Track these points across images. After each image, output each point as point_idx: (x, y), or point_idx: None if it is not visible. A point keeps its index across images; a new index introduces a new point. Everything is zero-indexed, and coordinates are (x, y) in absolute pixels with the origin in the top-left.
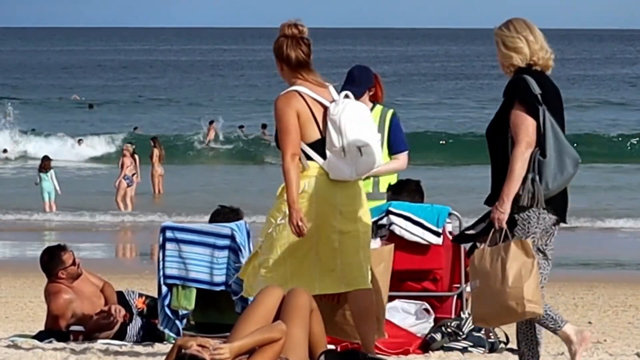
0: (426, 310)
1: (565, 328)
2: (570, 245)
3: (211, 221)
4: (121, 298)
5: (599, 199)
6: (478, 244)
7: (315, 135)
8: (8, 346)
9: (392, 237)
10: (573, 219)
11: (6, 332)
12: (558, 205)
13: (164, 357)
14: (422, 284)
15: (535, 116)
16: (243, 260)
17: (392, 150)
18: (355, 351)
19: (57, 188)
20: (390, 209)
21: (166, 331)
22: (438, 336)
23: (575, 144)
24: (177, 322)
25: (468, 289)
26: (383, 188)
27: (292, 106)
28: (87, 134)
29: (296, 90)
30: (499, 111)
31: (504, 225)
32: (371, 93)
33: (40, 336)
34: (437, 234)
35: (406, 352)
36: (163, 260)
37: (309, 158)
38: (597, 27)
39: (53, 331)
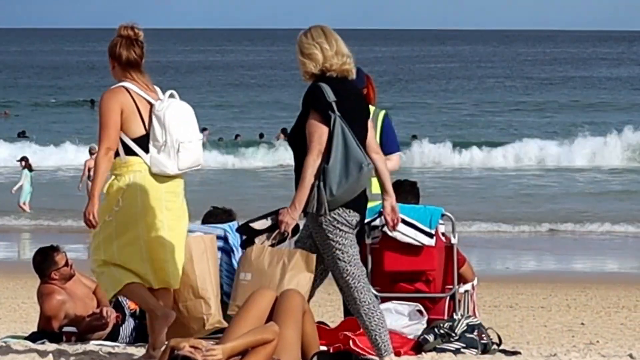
0: (419, 311)
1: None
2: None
3: (204, 222)
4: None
5: None
6: (257, 240)
7: (140, 130)
8: (0, 347)
9: (384, 238)
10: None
11: None
12: (360, 207)
13: (157, 358)
14: (415, 285)
15: (328, 124)
16: (235, 262)
17: (384, 151)
18: (348, 352)
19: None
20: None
21: None
22: (431, 337)
23: None
24: None
25: (461, 290)
26: (376, 189)
27: (117, 101)
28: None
29: (123, 86)
30: (298, 119)
31: (289, 230)
32: (364, 93)
33: (33, 337)
34: (430, 235)
35: (398, 354)
36: None
37: (132, 153)
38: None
39: (46, 332)
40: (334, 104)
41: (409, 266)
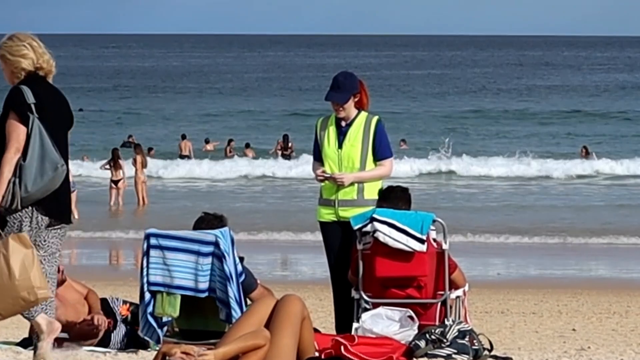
0: (410, 317)
1: (37, 318)
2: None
3: (195, 228)
4: (105, 305)
5: None
6: None
7: None
8: None
9: (376, 244)
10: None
11: None
12: (50, 207)
13: None
14: (406, 291)
15: (27, 124)
16: (227, 267)
17: (377, 157)
18: (339, 357)
19: None
20: (374, 215)
21: (146, 338)
22: (422, 343)
23: None
24: (158, 329)
25: (452, 295)
26: (368, 195)
27: None
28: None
29: None
30: None
31: None
32: (356, 99)
33: (24, 343)
34: (421, 241)
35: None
36: (147, 267)
37: None
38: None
39: None
40: (32, 106)
41: (400, 272)
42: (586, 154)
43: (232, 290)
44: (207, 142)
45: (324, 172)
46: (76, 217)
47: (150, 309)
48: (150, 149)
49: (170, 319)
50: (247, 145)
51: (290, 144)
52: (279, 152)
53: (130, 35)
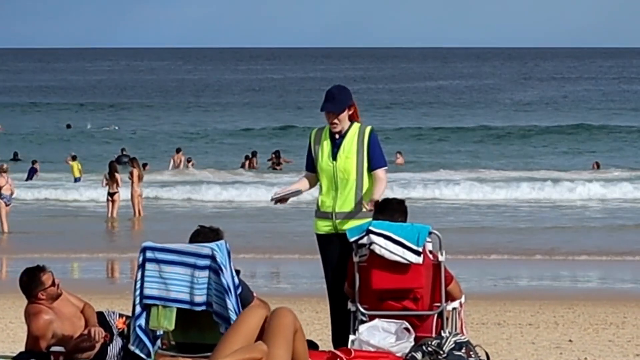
0: (406, 329)
1: None
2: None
3: (191, 241)
4: (101, 318)
5: None
6: None
7: None
8: None
9: (372, 257)
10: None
11: None
12: None
13: None
14: (403, 303)
15: None
16: (224, 280)
17: (372, 166)
18: None
19: None
20: (371, 228)
21: (137, 351)
22: (419, 355)
23: None
24: (149, 343)
25: (449, 307)
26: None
27: None
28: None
29: None
30: None
31: None
32: (351, 112)
33: (21, 357)
34: (418, 253)
35: None
36: (142, 280)
37: None
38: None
39: (34, 352)
40: None
41: (396, 284)
42: (597, 168)
43: (231, 303)
44: (177, 151)
45: (276, 193)
46: (5, 230)
47: (140, 322)
48: (145, 165)
49: (162, 332)
50: (254, 154)
51: (281, 158)
52: (272, 165)
53: (122, 49)
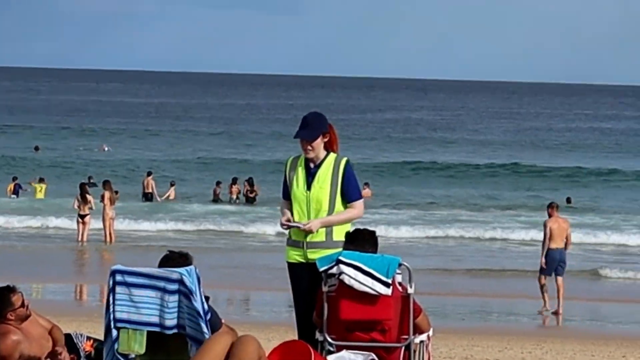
0: None
1: None
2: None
3: (160, 266)
4: (69, 340)
5: None
6: None
7: None
8: None
9: (341, 287)
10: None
11: None
12: None
13: None
14: (371, 335)
15: None
16: (196, 305)
17: (347, 199)
18: None
19: None
20: (340, 258)
21: None
22: None
23: None
24: None
25: (416, 340)
26: (337, 236)
27: None
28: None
29: None
30: None
31: None
32: (325, 139)
33: None
34: (387, 285)
35: None
36: (113, 303)
37: None
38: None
39: None
40: None
41: (365, 315)
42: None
43: (205, 327)
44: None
45: (288, 220)
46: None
47: (116, 346)
48: (116, 192)
49: (133, 356)
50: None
51: (255, 187)
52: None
53: (104, 70)
